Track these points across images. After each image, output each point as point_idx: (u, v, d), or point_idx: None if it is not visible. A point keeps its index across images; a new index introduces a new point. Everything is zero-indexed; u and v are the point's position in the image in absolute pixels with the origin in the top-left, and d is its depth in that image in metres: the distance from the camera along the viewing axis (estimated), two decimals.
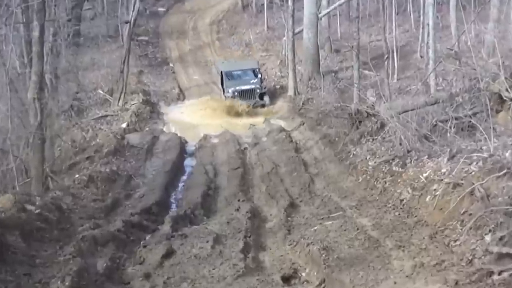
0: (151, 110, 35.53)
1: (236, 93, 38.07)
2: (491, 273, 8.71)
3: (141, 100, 35.82)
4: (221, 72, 40.29)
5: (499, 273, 8.55)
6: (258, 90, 38.83)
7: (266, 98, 39.24)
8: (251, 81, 38.95)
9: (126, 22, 38.96)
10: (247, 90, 38.46)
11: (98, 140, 28.88)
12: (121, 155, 26.38)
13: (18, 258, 11.68)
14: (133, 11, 38.25)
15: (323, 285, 11.01)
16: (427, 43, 30.80)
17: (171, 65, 46.10)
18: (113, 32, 47.03)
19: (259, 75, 40.14)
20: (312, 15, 31.23)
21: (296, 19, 35.55)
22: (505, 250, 8.93)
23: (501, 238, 9.30)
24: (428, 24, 30.63)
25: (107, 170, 22.95)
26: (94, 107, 35.37)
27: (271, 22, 49.09)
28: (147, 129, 32.31)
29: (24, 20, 20.34)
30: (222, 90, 40.99)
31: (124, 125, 31.58)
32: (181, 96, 40.84)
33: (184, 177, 24.30)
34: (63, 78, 31.64)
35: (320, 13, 37.35)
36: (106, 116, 33.66)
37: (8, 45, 21.85)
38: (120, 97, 35.11)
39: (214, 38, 50.28)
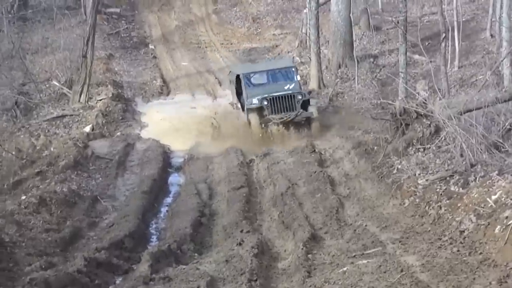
0: (124, 109, 35.66)
1: (265, 102, 32.54)
2: None
3: (110, 95, 35.95)
4: (237, 76, 35.49)
5: None
6: (300, 97, 33.27)
7: (313, 109, 33.72)
8: (286, 86, 34.15)
9: None
10: (282, 97, 32.80)
11: (52, 149, 29.02)
12: (83, 169, 26.51)
13: None
14: None
15: None
16: (500, 17, 30.82)
17: (151, 47, 46.38)
18: (72, 3, 47.30)
19: (297, 77, 35.62)
20: None
21: None
22: None
23: None
24: None
25: (65, 190, 23.09)
26: (47, 104, 35.44)
27: None
28: (118, 134, 32.42)
29: None
30: (239, 103, 36.53)
31: (87, 129, 31.72)
32: (165, 89, 40.58)
33: (169, 200, 24.50)
34: (4, 65, 31.81)
35: None
36: (64, 116, 33.74)
37: None
38: (82, 91, 35.23)
39: (210, 11, 50.55)
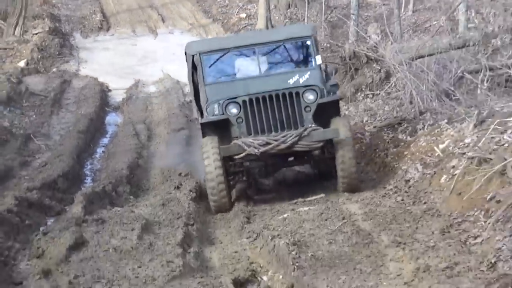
0: (62, 44, 35.68)
1: (234, 110, 17.08)
2: None
3: (47, 29, 35.94)
4: (194, 58, 18.72)
5: None
6: (311, 97, 17.19)
7: (342, 123, 17.25)
8: (293, 78, 17.96)
9: None
10: (270, 99, 17.16)
11: None
12: (16, 106, 26.55)
13: None
14: None
15: None
16: None
17: None
18: None
19: (316, 58, 18.54)
20: None
21: None
22: None
23: None
24: None
25: None
26: None
27: None
28: (54, 70, 32.45)
29: None
30: (199, 114, 19.65)
31: (22, 64, 31.64)
32: (105, 24, 40.27)
33: (105, 140, 24.69)
34: None
35: None
36: None
37: None
38: (17, 24, 35.14)
39: None
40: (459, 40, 23.74)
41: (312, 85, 16.99)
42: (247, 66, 18.15)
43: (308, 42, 18.01)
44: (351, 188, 16.22)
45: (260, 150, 15.53)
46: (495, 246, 10.31)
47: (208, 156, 15.99)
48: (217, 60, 18.09)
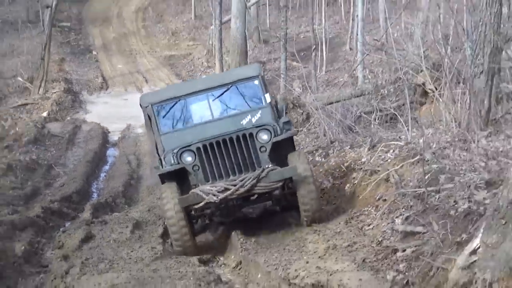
0: (73, 99, 35.41)
1: (189, 158, 13.66)
2: (395, 251, 9.35)
3: (62, 89, 35.67)
4: (147, 109, 15.19)
5: (403, 250, 9.28)
6: (265, 137, 13.77)
7: (298, 158, 13.94)
8: (246, 119, 14.88)
9: (47, 7, 38.09)
10: (224, 142, 13.72)
11: (17, 129, 28.86)
12: (41, 144, 26.47)
13: None
14: None
15: (239, 267, 11.75)
16: (356, 35, 31.52)
17: (94, 53, 46.12)
18: (33, 17, 46.91)
19: (266, 97, 15.12)
20: (240, 4, 29.21)
21: (224, 7, 32.65)
22: (409, 228, 9.65)
23: (407, 218, 10.07)
24: (357, 16, 31.54)
25: (27, 159, 23.21)
26: (13, 95, 35.13)
27: (199, 10, 49.51)
28: (68, 118, 32.21)
29: None
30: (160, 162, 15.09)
31: (44, 114, 31.51)
32: (105, 85, 39.81)
33: (106, 167, 24.65)
34: None
35: (249, 1, 35.41)
36: (26, 104, 33.42)
37: None
38: (40, 85, 35.00)
39: (139, 26, 50.31)
40: (358, 90, 24.04)
41: (264, 125, 13.50)
42: (200, 112, 14.54)
43: (256, 82, 14.51)
44: (314, 220, 12.91)
45: (219, 198, 12.26)
46: (381, 230, 10.74)
47: (167, 202, 12.71)
48: (170, 109, 14.54)
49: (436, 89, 15.86)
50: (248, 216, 15.33)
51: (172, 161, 13.34)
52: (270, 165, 12.85)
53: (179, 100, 14.36)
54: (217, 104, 14.45)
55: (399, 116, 16.44)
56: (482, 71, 13.27)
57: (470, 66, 13.76)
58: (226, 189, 12.33)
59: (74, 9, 53.01)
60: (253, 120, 13.90)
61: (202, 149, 12.97)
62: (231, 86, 14.43)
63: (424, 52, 17.11)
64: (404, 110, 16.48)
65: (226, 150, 13.04)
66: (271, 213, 14.98)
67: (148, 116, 14.51)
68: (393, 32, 25.64)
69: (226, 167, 13.09)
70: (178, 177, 13.52)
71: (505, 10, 14.67)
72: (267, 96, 14.27)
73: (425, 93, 18.71)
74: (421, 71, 17.16)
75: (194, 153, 12.96)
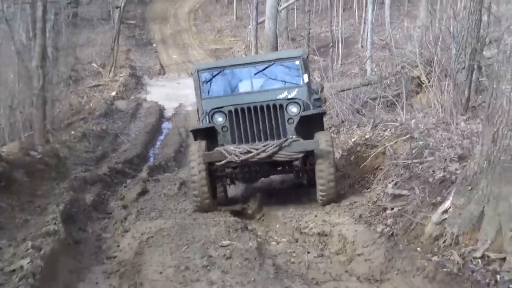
0: (136, 82, 35.62)
1: (220, 119, 12.10)
2: (385, 209, 9.50)
3: (128, 73, 35.91)
4: (193, 75, 13.72)
5: (391, 209, 9.41)
6: (294, 109, 12.01)
7: (323, 136, 11.83)
8: (282, 93, 12.86)
9: (117, 7, 38.48)
10: (254, 110, 12.00)
11: (91, 104, 29.35)
12: (110, 117, 26.87)
13: (22, 190, 12.15)
14: None
15: (262, 218, 11.89)
16: (366, 35, 31.50)
17: (154, 45, 46.16)
18: (106, 16, 47.04)
19: (304, 77, 13.22)
20: (273, 8, 29.13)
21: (259, 11, 32.50)
22: (397, 191, 9.77)
23: (396, 184, 10.19)
24: (368, 20, 31.45)
25: (98, 129, 23.67)
26: (88, 77, 35.51)
27: (239, 13, 49.35)
28: (132, 97, 32.49)
29: (30, 0, 20.84)
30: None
31: (113, 93, 31.81)
32: (162, 71, 40.01)
33: (161, 137, 24.90)
34: (63, 52, 32.00)
35: (280, 6, 35.26)
36: (99, 85, 33.77)
37: (16, 21, 22.36)
38: (110, 70, 35.37)
39: (191, 24, 50.29)
40: (366, 80, 23.96)
41: (295, 99, 12.07)
42: (241, 83, 13.20)
43: (297, 62, 12.97)
44: (328, 200, 11.32)
45: (240, 158, 10.95)
46: (376, 193, 10.80)
47: (193, 159, 11.43)
48: (213, 77, 13.17)
49: (428, 81, 15.85)
50: (270, 185, 14.54)
51: (208, 116, 11.98)
52: (294, 137, 11.32)
53: (223, 70, 13.10)
54: (258, 78, 12.95)
55: (397, 102, 16.45)
56: (464, 67, 13.35)
57: (454, 63, 13.82)
58: (248, 152, 10.96)
59: (139, 9, 53.14)
60: (289, 96, 12.35)
61: (233, 112, 11.66)
62: (273, 63, 12.94)
63: (419, 50, 17.04)
64: (402, 98, 16.40)
65: (256, 117, 11.65)
66: (291, 187, 13.92)
67: (194, 81, 13.35)
68: (395, 34, 25.47)
69: (254, 133, 11.70)
70: (209, 137, 12.09)
71: (485, 18, 14.65)
72: (305, 76, 12.74)
73: (419, 84, 18.61)
74: (416, 66, 17.11)
75: (226, 114, 11.67)
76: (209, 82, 12.99)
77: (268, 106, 11.56)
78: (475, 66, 13.37)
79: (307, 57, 13.74)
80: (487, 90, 13.49)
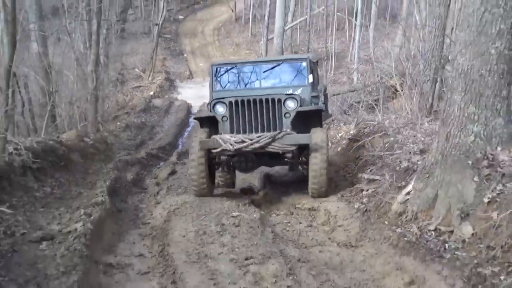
0: (170, 84, 35.34)
1: (221, 109, 10.75)
2: (362, 190, 9.63)
3: (163, 77, 35.67)
4: (210, 68, 12.11)
5: (367, 190, 9.50)
6: (292, 104, 10.62)
7: (319, 134, 10.50)
8: (288, 90, 11.34)
9: (156, 24, 38.58)
10: (253, 103, 10.63)
11: (133, 102, 29.29)
12: (148, 112, 26.72)
13: (77, 168, 12.41)
14: (161, 17, 38.19)
15: (266, 197, 11.80)
16: (354, 51, 31.47)
17: (185, 55, 45.77)
18: (147, 31, 46.83)
19: (309, 77, 11.64)
20: (280, 28, 28.82)
21: (269, 29, 32.93)
22: (372, 177, 9.86)
23: (371, 170, 10.27)
24: (355, 39, 31.36)
25: (138, 121, 23.64)
26: (132, 80, 35.36)
27: (254, 30, 48.91)
28: (166, 96, 32.23)
29: (87, 18, 20.94)
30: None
31: (151, 93, 31.60)
32: (191, 76, 39.68)
33: (189, 129, 24.65)
34: (112, 59, 31.95)
35: (286, 26, 35.45)
36: (140, 86, 33.53)
37: (76, 34, 22.50)
38: (149, 74, 35.20)
39: (215, 39, 49.97)
40: (352, 87, 24.08)
41: (293, 94, 10.79)
42: (250, 80, 11.88)
43: (304, 64, 11.55)
44: (318, 194, 10.16)
45: (234, 147, 9.76)
46: (356, 177, 10.80)
47: (193, 145, 10.52)
48: (225, 72, 11.86)
49: (401, 89, 15.88)
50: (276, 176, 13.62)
51: (217, 108, 10.67)
52: (288, 130, 10.11)
53: (235, 66, 11.84)
54: (267, 76, 11.65)
55: (376, 106, 16.49)
56: (429, 79, 13.39)
57: (422, 76, 13.86)
58: (243, 142, 9.81)
59: (174, 26, 52.80)
60: (293, 91, 11.12)
61: (233, 103, 10.43)
62: (282, 63, 11.67)
63: (395, 65, 17.08)
64: (380, 102, 16.43)
65: (255, 109, 10.41)
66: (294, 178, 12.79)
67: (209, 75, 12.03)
68: (377, 51, 25.46)
69: (251, 124, 10.44)
70: (213, 126, 10.96)
71: (447, 40, 14.68)
72: (310, 77, 11.39)
73: (394, 92, 18.63)
74: (392, 77, 17.14)
75: (226, 105, 10.45)
76: (222, 76, 11.77)
77: (267, 100, 10.35)
78: (438, 79, 13.40)
79: (317, 62, 12.56)
80: (445, 97, 13.63)
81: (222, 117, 10.48)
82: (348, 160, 12.70)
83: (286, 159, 10.75)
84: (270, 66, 11.58)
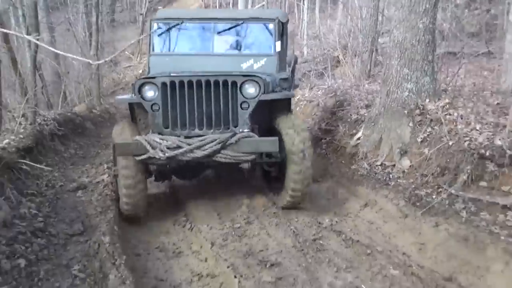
0: None
1: (150, 93, 5.42)
2: (321, 139, 9.69)
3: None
4: (149, 24, 6.97)
5: (325, 139, 9.63)
6: (253, 89, 5.47)
7: (288, 130, 5.66)
8: (246, 63, 6.52)
9: (141, 14, 37.78)
10: (197, 85, 5.35)
11: (126, 79, 28.98)
12: None
13: (91, 134, 12.36)
14: (144, 7, 37.58)
15: None
16: (304, 30, 31.30)
17: None
18: (133, 20, 45.80)
19: (276, 45, 6.74)
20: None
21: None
22: (328, 127, 9.96)
23: (327, 123, 10.39)
24: (304, 20, 31.18)
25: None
26: (123, 61, 34.80)
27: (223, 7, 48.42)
28: None
29: (85, 11, 20.56)
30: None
31: (140, 71, 31.02)
32: None
33: None
34: (107, 45, 31.38)
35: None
36: (130, 66, 33.02)
37: (78, 24, 22.07)
38: (137, 56, 34.66)
39: None
40: (303, 59, 23.96)
41: (253, 75, 5.71)
42: (200, 42, 7.26)
43: (271, 26, 7.14)
44: (295, 205, 6.16)
45: (166, 155, 5.37)
46: (315, 129, 10.62)
47: (116, 146, 5.72)
48: (168, 30, 7.26)
49: (344, 59, 15.99)
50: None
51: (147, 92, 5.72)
52: (246, 130, 5.65)
53: (181, 23, 7.16)
54: (222, 39, 7.14)
55: (325, 73, 16.59)
56: (367, 50, 13.58)
57: (361, 47, 14.06)
58: (179, 147, 5.43)
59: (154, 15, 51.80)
60: (255, 66, 6.88)
61: (168, 85, 5.62)
62: (242, 23, 7.11)
63: (338, 39, 17.23)
64: (327, 70, 16.47)
65: (199, 95, 5.65)
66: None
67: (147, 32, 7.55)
68: (322, 29, 25.46)
69: (194, 116, 5.70)
70: (133, 118, 6.62)
71: (380, 18, 14.88)
72: (278, 44, 7.02)
73: (338, 61, 18.70)
74: (337, 49, 17.28)
75: (158, 87, 5.64)
76: (162, 34, 7.21)
77: (216, 82, 5.60)
78: (374, 49, 13.61)
79: (287, 22, 7.69)
80: (381, 64, 13.88)
81: (152, 105, 5.65)
82: (306, 117, 12.50)
83: (241, 170, 6.17)
84: (227, 25, 7.12)
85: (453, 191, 5.72)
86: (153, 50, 7.15)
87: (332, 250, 5.19)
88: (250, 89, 5.65)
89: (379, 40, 13.88)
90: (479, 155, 5.73)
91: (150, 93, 5.61)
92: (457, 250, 4.83)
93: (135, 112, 6.44)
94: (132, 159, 5.54)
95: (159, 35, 7.18)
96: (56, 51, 4.19)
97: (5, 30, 6.48)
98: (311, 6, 34.81)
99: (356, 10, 16.70)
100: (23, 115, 8.89)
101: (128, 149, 5.47)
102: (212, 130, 5.62)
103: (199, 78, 5.53)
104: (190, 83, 5.53)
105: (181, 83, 5.54)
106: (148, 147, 5.41)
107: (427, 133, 6.76)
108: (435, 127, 6.72)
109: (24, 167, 6.77)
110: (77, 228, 5.43)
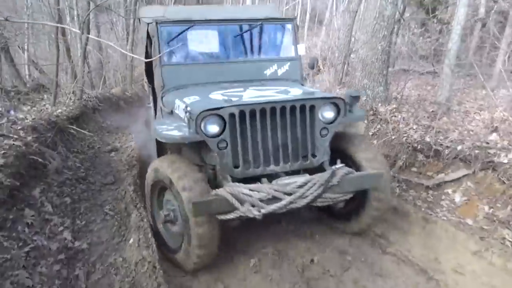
0: None
1: (217, 129, 2.91)
2: None
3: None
4: (149, 26, 3.50)
5: None
6: (335, 113, 3.26)
7: (378, 158, 3.36)
8: (272, 66, 3.86)
9: None
10: (280, 110, 2.99)
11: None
12: None
13: (124, 111, 12.09)
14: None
15: None
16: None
17: None
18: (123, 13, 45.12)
19: (301, 50, 4.03)
20: None
21: None
22: None
23: None
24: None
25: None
26: None
27: None
28: None
29: (124, 15, 20.34)
30: (153, 99, 4.11)
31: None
32: None
33: None
34: (140, 42, 30.87)
35: None
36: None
37: (119, 24, 21.91)
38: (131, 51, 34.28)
39: None
40: None
41: (333, 97, 3.53)
42: (214, 47, 4.33)
43: (289, 27, 4.51)
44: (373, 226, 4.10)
45: (262, 212, 2.82)
46: None
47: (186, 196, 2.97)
48: (179, 34, 4.10)
49: (323, 68, 16.02)
50: None
51: (180, 113, 3.61)
52: (339, 165, 3.55)
53: (193, 26, 4.33)
54: (238, 42, 4.62)
55: (307, 78, 16.20)
56: (340, 63, 13.72)
57: (337, 60, 14.16)
58: (275, 199, 3.17)
59: None
60: (279, 72, 4.66)
61: (237, 116, 3.38)
62: (261, 23, 4.62)
63: (320, 53, 17.22)
64: (309, 76, 13.82)
65: (273, 124, 3.49)
66: None
67: (148, 34, 4.48)
68: (309, 43, 25.28)
69: (268, 150, 3.51)
70: (193, 157, 3.81)
71: (352, 39, 14.98)
72: (301, 47, 4.84)
73: (319, 70, 18.76)
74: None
75: (225, 121, 3.37)
76: (171, 41, 4.39)
77: (293, 108, 3.57)
78: (346, 62, 13.73)
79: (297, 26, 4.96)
80: (350, 74, 14.00)
81: (219, 143, 3.49)
82: None
83: (330, 209, 4.45)
84: (244, 27, 4.67)
85: (391, 173, 5.97)
86: (165, 60, 4.35)
87: None
88: (329, 113, 3.74)
89: (351, 55, 13.97)
90: (412, 148, 5.86)
91: (213, 127, 3.45)
92: (389, 216, 4.88)
93: (182, 151, 4.00)
94: (207, 215, 3.31)
95: (168, 42, 4.36)
96: (107, 42, 4.37)
97: (64, 26, 6.56)
98: (301, 25, 34.68)
99: (335, 31, 16.77)
100: (72, 92, 9.05)
101: (210, 208, 3.25)
102: (289, 164, 3.60)
103: (273, 104, 3.50)
104: (263, 111, 3.49)
105: (252, 112, 3.48)
106: (237, 204, 3.24)
107: (377, 129, 6.85)
108: (383, 125, 6.81)
109: (72, 131, 6.96)
110: (109, 179, 5.67)
